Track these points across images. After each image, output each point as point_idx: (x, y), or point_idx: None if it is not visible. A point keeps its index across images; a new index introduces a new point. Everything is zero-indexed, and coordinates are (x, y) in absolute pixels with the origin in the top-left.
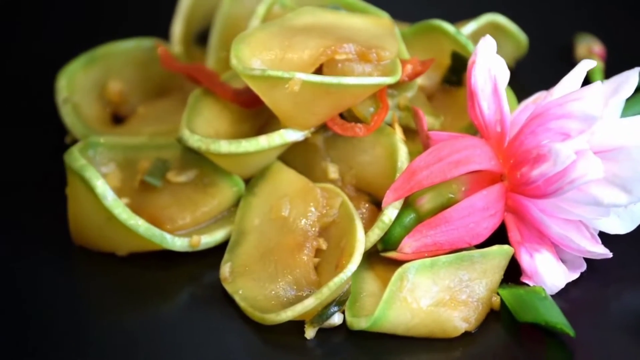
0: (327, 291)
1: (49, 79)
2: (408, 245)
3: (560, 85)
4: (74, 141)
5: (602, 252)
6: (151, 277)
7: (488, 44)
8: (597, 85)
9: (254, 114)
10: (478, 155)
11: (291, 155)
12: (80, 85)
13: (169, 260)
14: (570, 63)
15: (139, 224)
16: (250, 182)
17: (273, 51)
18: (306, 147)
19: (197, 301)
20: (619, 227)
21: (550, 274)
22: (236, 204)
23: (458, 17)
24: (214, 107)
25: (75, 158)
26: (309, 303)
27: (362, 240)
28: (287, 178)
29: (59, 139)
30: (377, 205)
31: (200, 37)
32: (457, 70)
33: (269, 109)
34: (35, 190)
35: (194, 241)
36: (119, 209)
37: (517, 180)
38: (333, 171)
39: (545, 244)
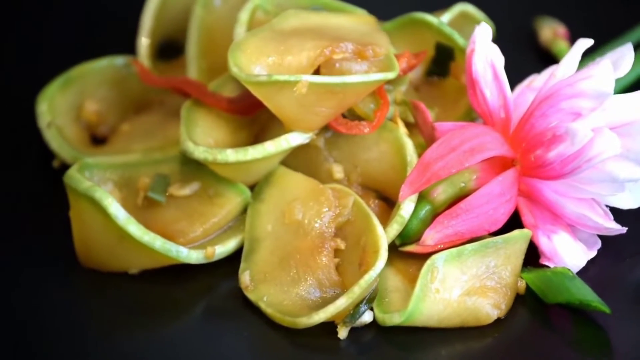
0: (358, 290)
1: (18, 105)
2: (430, 237)
3: (561, 66)
4: (63, 165)
5: (617, 227)
6: (165, 292)
7: (484, 31)
8: (606, 63)
9: (249, 121)
10: (490, 142)
11: (294, 160)
12: (59, 108)
13: (180, 274)
14: (535, 47)
15: (155, 240)
16: (255, 189)
17: (271, 56)
18: (308, 149)
19: (217, 312)
20: (632, 201)
21: (570, 253)
22: (243, 212)
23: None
24: (208, 118)
25: (79, 180)
26: (341, 303)
27: (384, 237)
28: (295, 181)
29: (41, 164)
30: (384, 201)
31: (160, 51)
32: (441, 62)
33: (264, 115)
34: (31, 216)
35: (209, 253)
36: (133, 226)
37: (531, 164)
38: (338, 171)
39: (561, 225)
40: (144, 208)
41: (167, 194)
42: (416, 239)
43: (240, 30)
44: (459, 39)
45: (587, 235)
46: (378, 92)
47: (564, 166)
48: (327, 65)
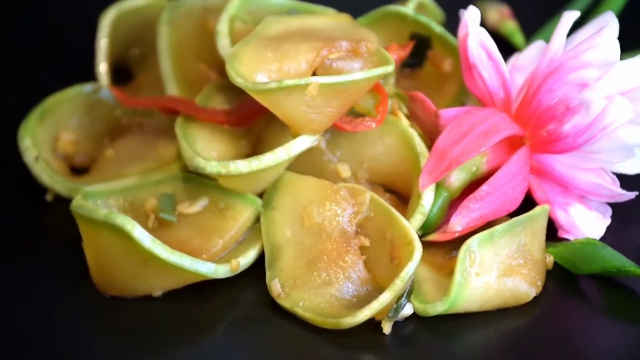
0: (400, 283)
1: None
2: (457, 222)
3: (554, 41)
4: (59, 197)
5: (628, 193)
6: (191, 310)
7: (474, 14)
8: (609, 30)
9: (245, 131)
10: (500, 123)
11: (298, 165)
12: (40, 142)
13: (200, 291)
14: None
15: (183, 259)
16: (264, 197)
17: (269, 63)
18: (311, 152)
19: (250, 323)
20: (631, 168)
21: (588, 224)
22: (256, 221)
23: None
24: (204, 133)
25: (93, 209)
26: (385, 298)
27: (412, 228)
28: (307, 185)
29: (25, 199)
30: (393, 194)
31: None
32: (416, 52)
33: (259, 123)
34: (34, 250)
35: (234, 265)
36: (159, 247)
37: (542, 140)
38: (345, 170)
39: (573, 197)
40: (156, 230)
41: (176, 213)
42: (436, 227)
43: (224, 42)
44: (436, 27)
45: (596, 204)
46: (375, 87)
47: (578, 137)
48: (322, 66)
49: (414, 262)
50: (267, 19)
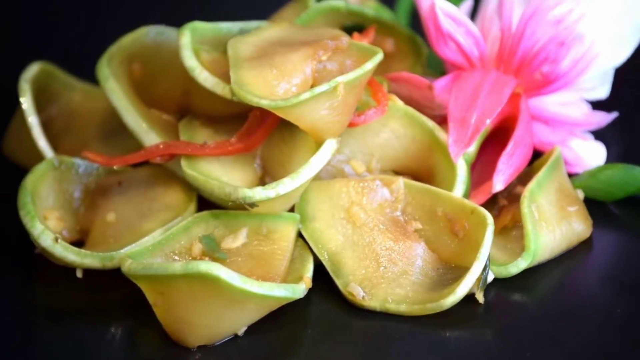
0: (485, 251)
1: None
2: (499, 181)
3: None
4: (91, 272)
5: (611, 115)
6: (276, 340)
7: None
8: None
9: (249, 155)
10: (499, 79)
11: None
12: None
13: (273, 319)
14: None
15: (273, 288)
16: (297, 212)
17: (275, 79)
18: None
19: (340, 333)
20: (603, 92)
21: (590, 154)
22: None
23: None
24: (215, 167)
25: (165, 265)
26: (478, 269)
27: (461, 196)
28: (339, 188)
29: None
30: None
31: None
32: None
33: (265, 144)
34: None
35: (307, 281)
36: (249, 283)
37: (536, 84)
38: (359, 165)
39: (563, 133)
40: None
41: (223, 250)
42: (468, 194)
43: (204, 75)
44: (368, 12)
45: (583, 134)
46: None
47: (570, 71)
48: (317, 71)
49: (491, 226)
50: (230, 42)
